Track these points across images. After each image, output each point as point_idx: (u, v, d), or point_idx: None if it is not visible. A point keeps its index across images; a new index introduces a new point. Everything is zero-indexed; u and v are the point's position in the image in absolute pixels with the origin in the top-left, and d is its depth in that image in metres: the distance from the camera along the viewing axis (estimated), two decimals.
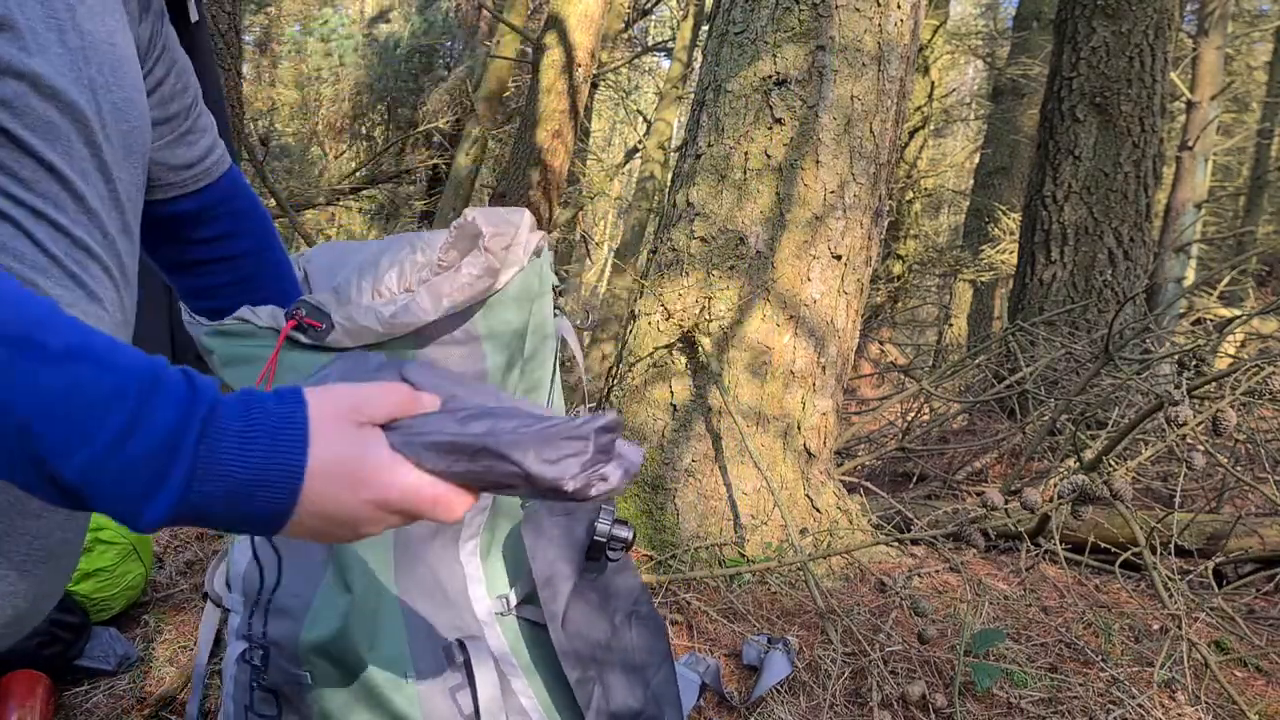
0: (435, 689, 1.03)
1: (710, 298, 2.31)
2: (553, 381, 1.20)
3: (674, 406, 2.30)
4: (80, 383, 0.43)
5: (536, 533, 1.08)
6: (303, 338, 0.95)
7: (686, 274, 2.36)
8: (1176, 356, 3.37)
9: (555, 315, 1.20)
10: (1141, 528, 2.08)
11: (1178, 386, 1.97)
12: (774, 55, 2.33)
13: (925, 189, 9.61)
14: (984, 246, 8.64)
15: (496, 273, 1.02)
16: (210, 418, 0.46)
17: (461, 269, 0.99)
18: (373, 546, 1.04)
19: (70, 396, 0.42)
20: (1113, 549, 2.27)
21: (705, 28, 8.90)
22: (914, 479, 3.46)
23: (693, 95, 2.82)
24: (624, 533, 1.11)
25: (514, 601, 1.10)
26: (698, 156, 2.42)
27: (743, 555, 2.15)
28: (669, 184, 3.14)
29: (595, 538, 1.10)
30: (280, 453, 0.47)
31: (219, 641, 1.21)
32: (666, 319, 2.36)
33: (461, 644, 1.04)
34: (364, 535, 0.53)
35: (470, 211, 1.04)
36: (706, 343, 2.28)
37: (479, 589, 1.09)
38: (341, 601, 1.01)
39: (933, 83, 8.85)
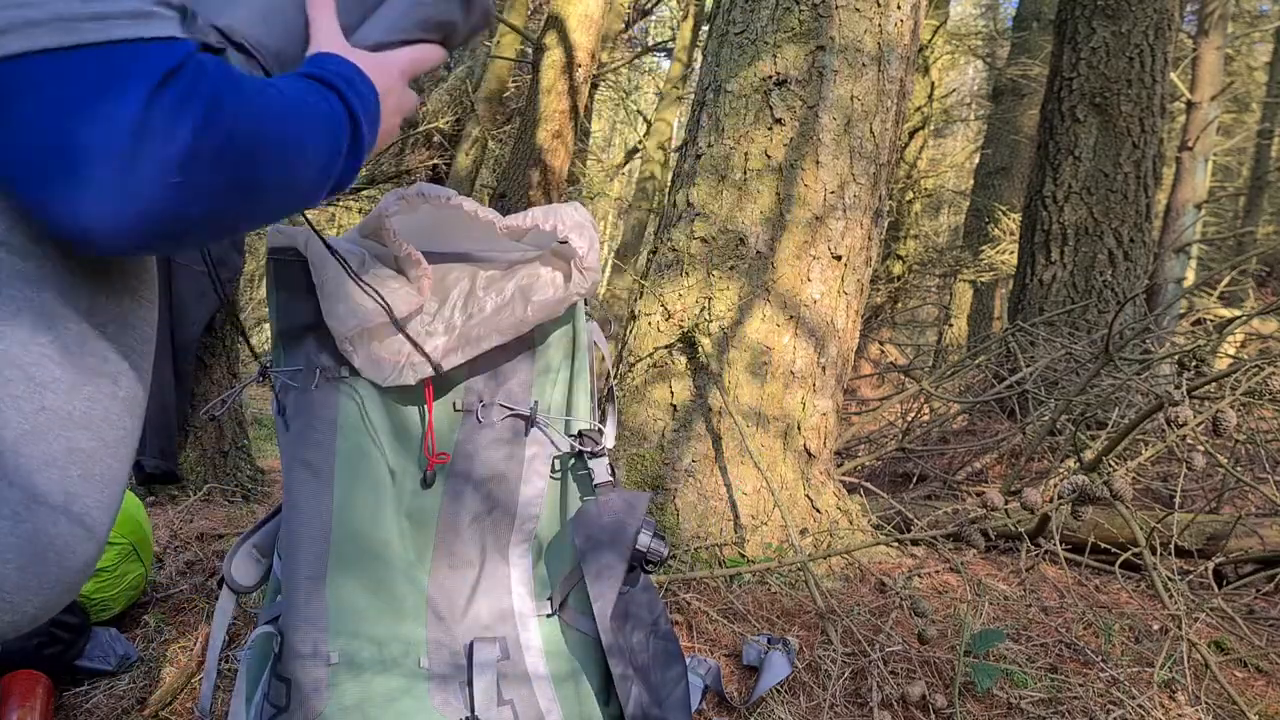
0: (447, 679, 1.04)
1: (710, 298, 2.31)
2: (591, 388, 1.23)
3: (674, 407, 2.29)
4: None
5: (587, 534, 1.11)
6: None
7: (686, 274, 2.36)
8: (1176, 357, 3.37)
9: (586, 319, 1.23)
10: (1141, 528, 2.08)
11: (1178, 387, 1.97)
12: (774, 55, 2.33)
13: (925, 189, 9.61)
14: (984, 247, 8.64)
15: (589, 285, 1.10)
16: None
17: (569, 289, 1.08)
18: (416, 531, 1.07)
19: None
20: (1113, 549, 2.27)
21: (705, 28, 8.90)
22: (914, 479, 3.46)
23: (693, 95, 2.82)
24: (663, 548, 1.14)
25: (559, 602, 1.12)
26: (698, 157, 2.42)
27: (743, 555, 2.15)
28: (669, 184, 3.15)
29: (638, 548, 1.12)
30: (367, 80, 0.78)
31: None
32: (667, 319, 2.36)
33: (471, 645, 1.04)
34: (405, 110, 0.84)
35: (548, 218, 1.07)
36: (706, 343, 2.28)
37: (523, 588, 1.12)
38: (362, 578, 1.03)
39: (933, 83, 8.86)
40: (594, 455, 1.16)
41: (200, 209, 0.58)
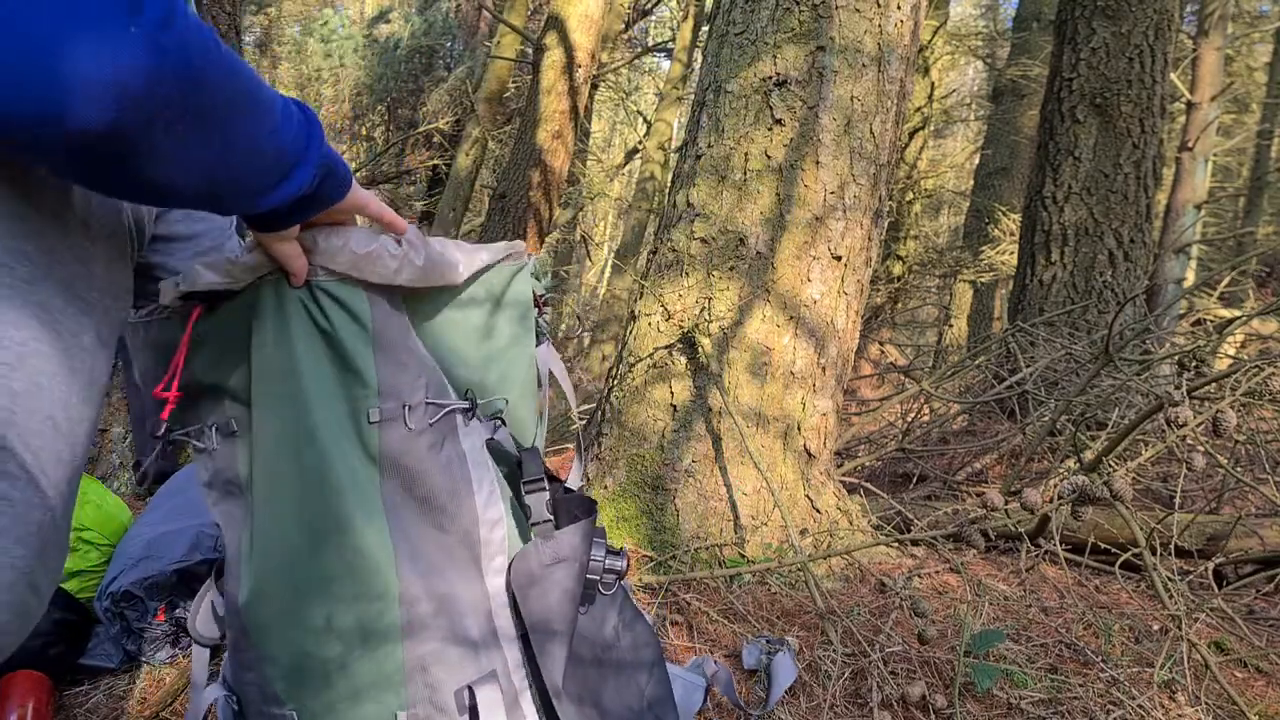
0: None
1: (710, 298, 2.31)
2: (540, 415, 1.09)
3: (674, 407, 2.30)
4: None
5: (530, 582, 0.98)
6: None
7: (687, 274, 2.36)
8: (1176, 357, 3.38)
9: (540, 338, 1.08)
10: (1141, 528, 2.08)
11: (1178, 387, 1.98)
12: (774, 56, 2.34)
13: (925, 190, 9.61)
14: (984, 247, 8.64)
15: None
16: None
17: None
18: (374, 551, 0.93)
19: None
20: (1113, 550, 2.27)
21: (705, 28, 8.90)
22: (914, 480, 3.46)
23: (693, 96, 2.82)
24: (618, 564, 1.04)
25: None
26: (698, 157, 2.42)
27: (743, 556, 2.15)
28: (669, 184, 3.15)
29: (589, 575, 1.02)
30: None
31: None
32: (667, 319, 2.36)
33: (471, 690, 0.94)
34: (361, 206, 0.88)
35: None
36: (706, 343, 2.28)
37: (506, 610, 0.98)
38: (311, 629, 0.92)
39: (933, 83, 8.86)
40: (531, 488, 1.01)
41: (170, 94, 0.56)
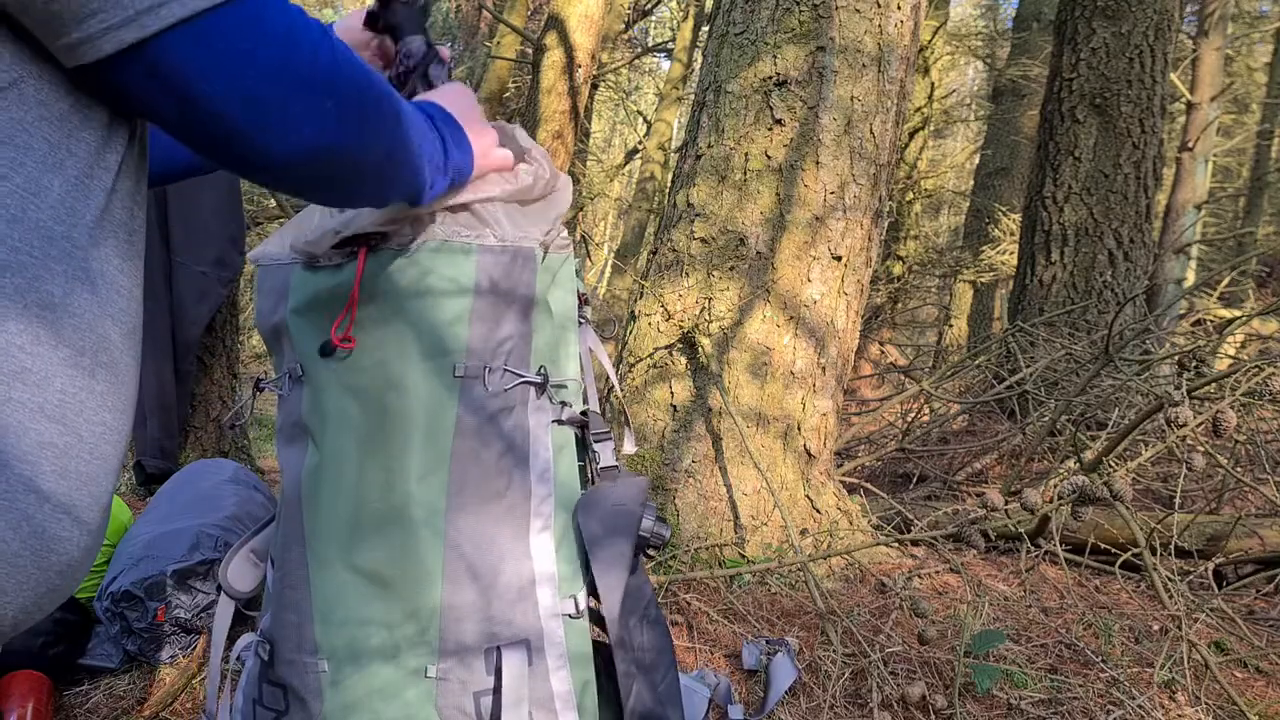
0: (456, 688, 0.97)
1: (710, 298, 2.31)
2: (582, 369, 1.15)
3: (674, 407, 2.30)
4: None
5: (598, 520, 1.06)
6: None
7: (687, 275, 2.36)
8: (1176, 357, 3.37)
9: (580, 324, 1.16)
10: (1141, 529, 2.08)
11: (1178, 387, 1.97)
12: (774, 56, 2.34)
13: (925, 190, 9.61)
14: (984, 247, 8.64)
15: (541, 184, 1.04)
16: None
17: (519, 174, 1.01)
18: (424, 521, 0.96)
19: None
20: (1113, 550, 2.27)
21: (705, 29, 8.90)
22: (914, 480, 3.46)
23: (693, 96, 2.82)
24: (665, 531, 1.10)
25: (583, 604, 1.04)
26: (698, 157, 2.42)
27: (743, 556, 2.15)
28: (669, 185, 3.15)
29: (641, 533, 1.08)
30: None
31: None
32: (667, 320, 2.36)
33: (499, 650, 0.96)
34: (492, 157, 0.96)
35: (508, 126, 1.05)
36: (707, 343, 2.28)
37: (549, 587, 1.01)
38: (354, 582, 0.97)
39: (933, 83, 8.86)
40: (600, 438, 1.11)
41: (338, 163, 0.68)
